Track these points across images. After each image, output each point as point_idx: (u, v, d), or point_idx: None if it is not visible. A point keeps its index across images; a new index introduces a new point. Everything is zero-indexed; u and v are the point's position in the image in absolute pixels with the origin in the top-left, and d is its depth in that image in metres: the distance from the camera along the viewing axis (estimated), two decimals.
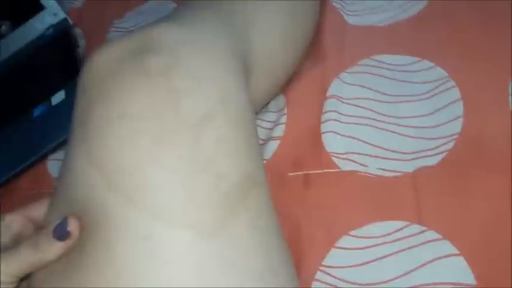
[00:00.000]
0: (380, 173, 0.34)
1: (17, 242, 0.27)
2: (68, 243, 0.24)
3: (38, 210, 0.28)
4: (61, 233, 0.24)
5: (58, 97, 0.47)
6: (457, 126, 0.33)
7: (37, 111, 0.47)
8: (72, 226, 0.24)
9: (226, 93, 0.27)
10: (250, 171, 0.26)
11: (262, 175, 0.28)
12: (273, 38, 0.35)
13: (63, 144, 0.44)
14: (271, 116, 0.39)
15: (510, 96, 0.33)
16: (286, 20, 0.36)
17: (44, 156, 0.45)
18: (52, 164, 0.44)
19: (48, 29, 0.53)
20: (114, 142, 0.25)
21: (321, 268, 0.32)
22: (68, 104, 0.46)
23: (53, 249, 0.25)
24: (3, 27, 0.55)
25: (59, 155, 0.44)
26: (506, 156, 0.31)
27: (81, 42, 0.53)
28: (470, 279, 0.28)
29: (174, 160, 0.24)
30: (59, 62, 0.50)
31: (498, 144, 0.31)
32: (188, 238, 0.23)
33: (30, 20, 0.54)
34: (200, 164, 0.25)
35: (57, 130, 0.45)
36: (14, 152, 0.45)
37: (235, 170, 0.26)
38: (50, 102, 0.47)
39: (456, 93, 0.34)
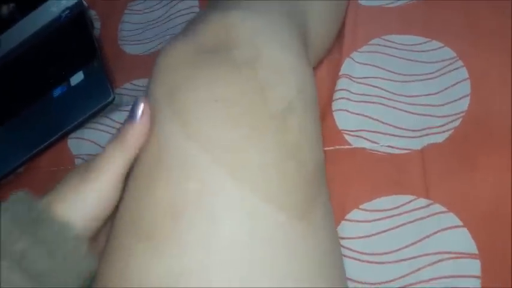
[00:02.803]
0: (389, 150, 0.35)
1: None
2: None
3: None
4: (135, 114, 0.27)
5: (77, 78, 0.48)
6: (464, 105, 0.34)
7: (56, 92, 0.48)
8: (142, 109, 0.27)
9: (303, 82, 0.29)
10: (321, 157, 0.28)
11: (324, 161, 0.29)
12: (322, 21, 0.36)
13: (82, 123, 0.46)
14: None
15: None
16: (333, 3, 0.37)
17: (64, 135, 0.46)
18: (72, 142, 0.46)
19: (63, 11, 0.54)
20: (213, 121, 0.26)
21: None
22: (87, 85, 0.47)
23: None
24: (8, 7, 0.56)
25: (79, 133, 0.46)
26: (510, 134, 0.32)
27: (97, 24, 0.55)
28: (473, 249, 0.29)
29: (269, 145, 0.26)
30: (76, 44, 0.51)
31: (503, 123, 0.33)
32: (283, 220, 0.24)
33: (46, 3, 0.55)
34: (288, 152, 0.26)
35: (76, 110, 0.46)
36: (35, 132, 0.47)
37: (312, 157, 0.27)
38: (69, 83, 0.48)
39: (464, 72, 0.35)
